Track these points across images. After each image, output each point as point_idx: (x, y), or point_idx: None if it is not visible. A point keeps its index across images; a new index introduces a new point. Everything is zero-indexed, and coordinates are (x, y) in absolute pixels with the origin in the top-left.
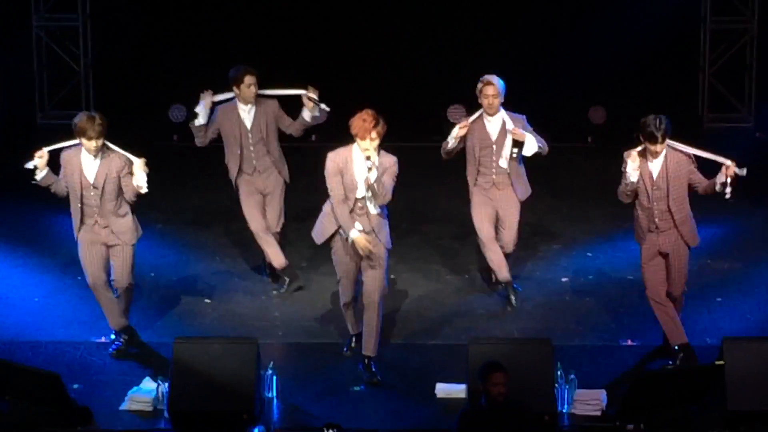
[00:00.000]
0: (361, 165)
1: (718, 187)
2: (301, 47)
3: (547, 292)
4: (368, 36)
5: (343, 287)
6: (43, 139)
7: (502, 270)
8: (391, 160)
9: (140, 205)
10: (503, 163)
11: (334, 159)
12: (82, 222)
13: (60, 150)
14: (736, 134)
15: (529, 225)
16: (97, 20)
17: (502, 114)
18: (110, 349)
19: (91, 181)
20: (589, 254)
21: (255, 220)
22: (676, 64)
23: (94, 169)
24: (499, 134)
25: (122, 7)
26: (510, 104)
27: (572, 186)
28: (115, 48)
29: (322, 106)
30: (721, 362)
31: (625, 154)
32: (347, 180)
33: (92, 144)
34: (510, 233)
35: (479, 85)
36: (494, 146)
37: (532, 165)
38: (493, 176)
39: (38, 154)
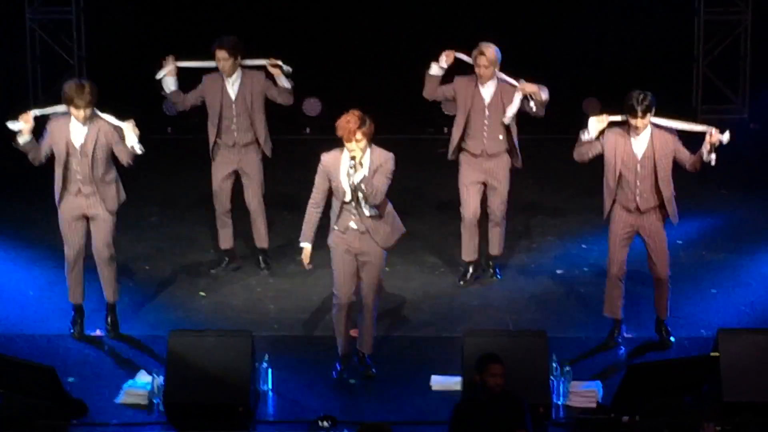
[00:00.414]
0: (347, 167)
1: (705, 157)
2: (298, 39)
3: (542, 283)
4: (365, 28)
5: (337, 285)
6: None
7: (473, 252)
8: (384, 157)
9: (134, 199)
10: (507, 120)
11: (324, 160)
12: (63, 189)
13: (46, 116)
14: (730, 125)
15: (523, 217)
16: (90, 13)
17: (497, 79)
18: (70, 330)
19: (78, 148)
20: (584, 246)
21: (222, 202)
22: (670, 56)
23: (82, 136)
24: (492, 99)
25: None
26: None
27: (567, 177)
28: (109, 41)
29: (285, 67)
30: (717, 353)
31: (592, 118)
32: (335, 184)
33: (80, 113)
34: (500, 199)
35: (474, 52)
36: (487, 111)
37: (526, 155)
38: (485, 141)
39: (24, 118)
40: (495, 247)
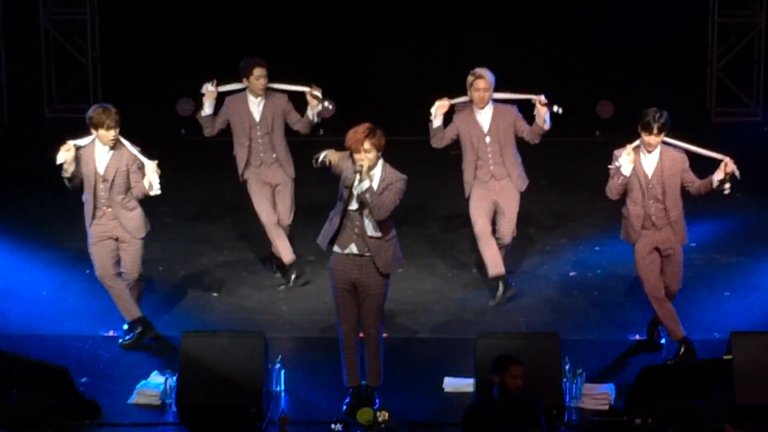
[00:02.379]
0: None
1: (715, 184)
2: (309, 40)
3: (555, 286)
4: (378, 32)
5: (340, 315)
6: (50, 132)
7: (496, 265)
8: (396, 176)
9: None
10: (548, 125)
11: (339, 160)
12: (93, 214)
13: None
14: (743, 129)
15: (536, 219)
16: (104, 14)
17: (494, 105)
18: (121, 340)
19: (102, 174)
20: (597, 248)
21: (265, 213)
22: (684, 59)
23: (105, 162)
24: (490, 125)
25: (130, 0)
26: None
27: (580, 180)
28: (122, 41)
29: (326, 103)
30: (729, 356)
31: (617, 151)
32: (342, 189)
33: (110, 134)
34: (509, 224)
35: (470, 78)
36: (488, 137)
37: (539, 158)
38: (491, 167)
39: (65, 147)
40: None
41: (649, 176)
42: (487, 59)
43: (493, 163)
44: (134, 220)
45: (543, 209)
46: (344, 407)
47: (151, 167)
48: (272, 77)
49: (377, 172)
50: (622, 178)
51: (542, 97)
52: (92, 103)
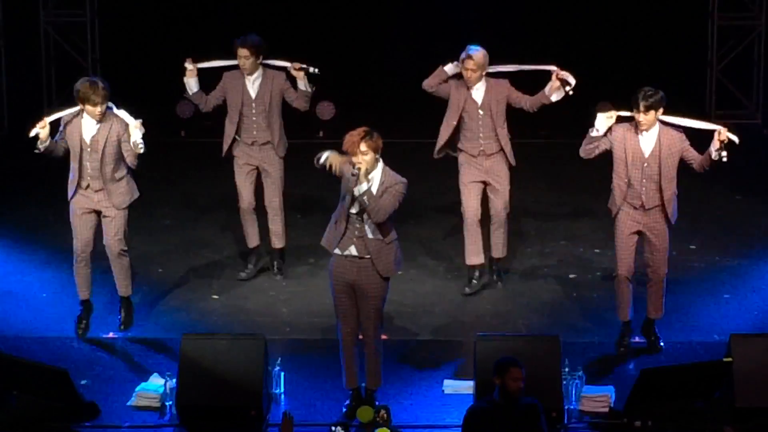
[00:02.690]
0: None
1: (714, 155)
2: (311, 42)
3: (555, 288)
4: (380, 33)
5: (340, 318)
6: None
7: (477, 254)
8: (396, 180)
9: (148, 201)
10: (555, 97)
11: (341, 164)
12: (78, 183)
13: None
14: (743, 131)
15: (536, 221)
16: (104, 16)
17: (485, 80)
18: (75, 329)
19: (89, 144)
20: (596, 250)
21: (245, 198)
22: (684, 61)
23: (93, 133)
24: (483, 100)
25: (129, 2)
26: None
27: (580, 182)
28: (122, 43)
29: (312, 69)
30: (729, 359)
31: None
32: (343, 192)
33: (96, 110)
34: (502, 200)
35: (462, 55)
36: (481, 111)
37: (539, 160)
38: (481, 141)
39: (40, 124)
40: (498, 250)
41: (646, 155)
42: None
43: (484, 137)
44: (120, 189)
45: (543, 211)
46: (343, 409)
47: (134, 124)
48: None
49: (377, 176)
50: (592, 137)
51: (563, 73)
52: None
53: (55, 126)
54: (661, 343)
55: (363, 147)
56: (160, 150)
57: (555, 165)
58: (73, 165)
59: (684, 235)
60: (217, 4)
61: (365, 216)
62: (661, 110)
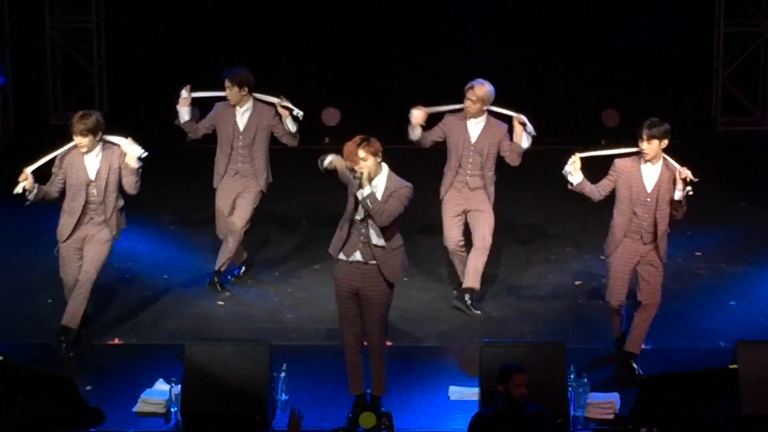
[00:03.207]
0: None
1: (678, 195)
2: (314, 49)
3: (561, 295)
4: (384, 40)
5: (343, 325)
6: (56, 139)
7: (468, 277)
8: (400, 184)
9: (153, 207)
10: (525, 144)
11: (344, 170)
12: (79, 220)
13: (44, 164)
14: (749, 138)
15: (541, 228)
16: (110, 22)
17: (487, 119)
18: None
19: (94, 179)
20: (602, 257)
21: (221, 227)
22: (690, 68)
23: (96, 166)
24: (478, 138)
25: (136, 8)
26: (524, 107)
27: None
28: (128, 49)
29: (296, 111)
30: (735, 366)
31: (617, 160)
32: (349, 199)
33: (78, 140)
34: (486, 224)
35: (467, 86)
36: (472, 147)
37: (545, 167)
38: (468, 177)
39: (21, 177)
40: (472, 280)
41: (648, 190)
42: (491, 67)
43: (470, 174)
44: (118, 219)
45: (548, 218)
46: (349, 416)
47: (126, 142)
48: (278, 88)
49: (382, 181)
50: (575, 186)
51: (521, 117)
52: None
53: (44, 168)
54: (641, 374)
55: (361, 153)
56: (165, 156)
57: (560, 172)
58: (73, 204)
59: (689, 242)
60: (223, 11)
61: (370, 221)
62: (665, 141)
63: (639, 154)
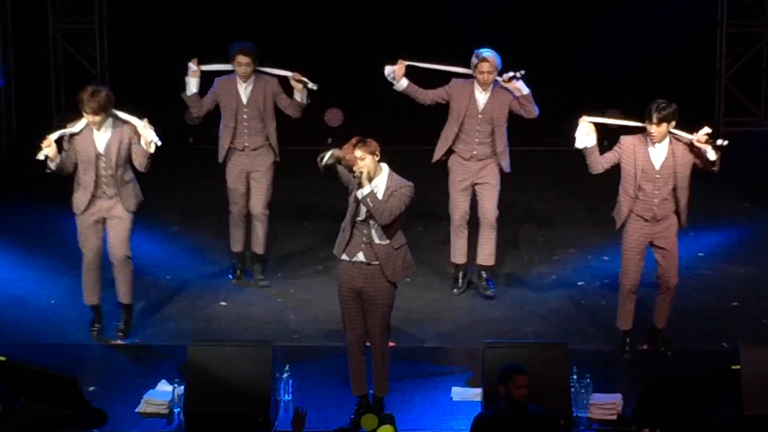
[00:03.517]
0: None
1: (712, 156)
2: (318, 50)
3: (563, 295)
4: (387, 39)
5: (346, 326)
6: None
7: (461, 255)
8: (400, 183)
9: (156, 207)
10: (525, 90)
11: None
12: (94, 194)
13: (65, 135)
14: (752, 138)
15: (545, 228)
16: (113, 23)
17: (492, 86)
18: (89, 334)
19: (103, 153)
20: (605, 258)
21: (238, 203)
22: (692, 68)
23: (105, 141)
24: (486, 105)
25: (138, 9)
26: None
27: (588, 189)
28: (130, 50)
29: (310, 85)
30: (738, 367)
31: (622, 137)
32: (350, 200)
33: (90, 118)
34: (491, 199)
35: (474, 60)
36: (480, 116)
37: (548, 167)
38: (475, 146)
39: (45, 143)
40: (486, 257)
41: (657, 167)
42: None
43: (479, 142)
44: (129, 192)
45: (551, 218)
46: (351, 416)
47: (142, 124)
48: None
49: (382, 180)
50: (588, 149)
51: (509, 73)
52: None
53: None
54: (669, 352)
55: (358, 153)
56: (168, 156)
57: (564, 172)
58: (84, 178)
59: (692, 243)
60: (226, 12)
61: (371, 221)
62: (673, 123)
63: (644, 131)
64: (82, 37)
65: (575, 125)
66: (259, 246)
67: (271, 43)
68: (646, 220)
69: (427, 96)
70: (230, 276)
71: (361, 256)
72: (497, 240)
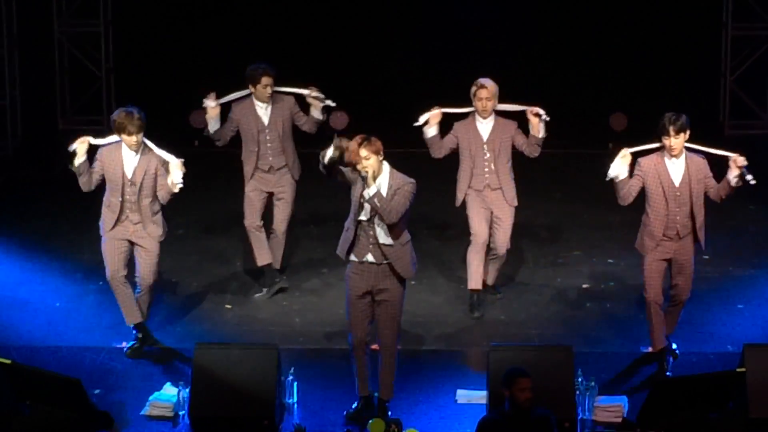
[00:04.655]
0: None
1: (733, 182)
2: (322, 51)
3: (568, 298)
4: (392, 43)
5: (351, 326)
6: (64, 143)
7: (477, 281)
8: (404, 181)
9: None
10: (541, 133)
11: (350, 173)
12: (119, 217)
13: (99, 145)
14: (757, 141)
15: (549, 231)
16: (118, 26)
17: (495, 117)
18: (125, 348)
19: (130, 177)
20: (610, 261)
21: (252, 216)
22: (697, 71)
23: (133, 165)
24: (490, 135)
25: (143, 12)
26: None
27: (593, 192)
28: (136, 53)
29: (328, 102)
30: (743, 369)
31: (640, 159)
32: (354, 199)
33: (132, 139)
34: (504, 234)
35: (473, 88)
36: (486, 146)
37: (553, 171)
38: (486, 176)
39: (81, 139)
40: (493, 278)
41: (677, 184)
42: (498, 69)
43: (488, 172)
44: (157, 224)
45: (556, 221)
46: (350, 410)
47: (176, 164)
48: (283, 83)
49: (385, 179)
50: (620, 183)
51: (534, 108)
52: (106, 115)
53: (91, 150)
54: (677, 351)
55: (363, 152)
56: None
57: (569, 175)
58: (113, 200)
59: (697, 246)
60: (230, 14)
61: (376, 220)
62: (688, 132)
63: (662, 149)
64: (87, 40)
65: (612, 153)
66: (277, 262)
67: (275, 45)
68: (670, 239)
69: (442, 150)
70: (257, 295)
71: (370, 257)
72: (501, 266)
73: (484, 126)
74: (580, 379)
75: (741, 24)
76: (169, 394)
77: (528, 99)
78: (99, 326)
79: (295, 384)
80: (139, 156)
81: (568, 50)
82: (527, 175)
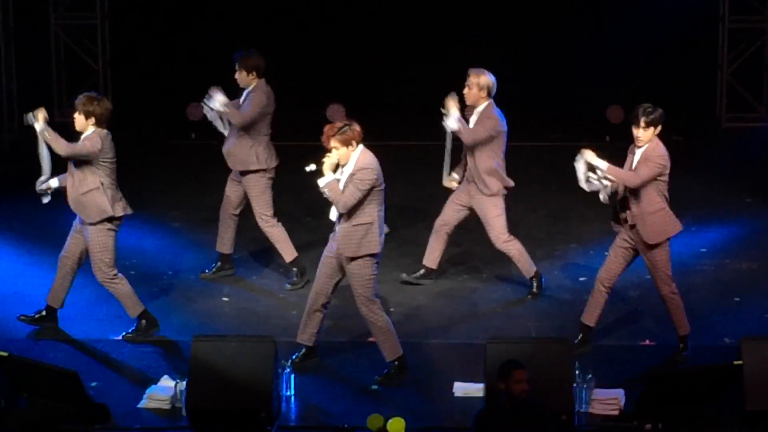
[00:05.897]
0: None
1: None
2: (320, 47)
3: (566, 291)
4: (388, 35)
5: (317, 275)
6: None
7: (430, 259)
8: (361, 165)
9: (158, 203)
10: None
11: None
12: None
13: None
14: (753, 134)
15: (546, 224)
16: (114, 18)
17: (481, 112)
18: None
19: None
20: (606, 253)
21: (222, 207)
22: (694, 64)
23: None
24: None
25: (140, 5)
26: (528, 103)
27: None
28: (132, 46)
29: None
30: (740, 362)
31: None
32: None
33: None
34: (490, 230)
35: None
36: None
37: (549, 163)
38: (468, 167)
39: (47, 185)
40: (524, 270)
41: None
42: (496, 63)
43: (469, 164)
44: (88, 202)
45: (553, 214)
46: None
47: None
48: (282, 84)
49: (350, 166)
50: (607, 187)
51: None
52: None
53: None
54: (684, 353)
55: (333, 143)
56: (169, 152)
57: (565, 168)
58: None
59: (694, 238)
60: (227, 7)
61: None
62: (659, 128)
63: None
64: (83, 32)
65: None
66: (285, 255)
67: (273, 39)
68: (624, 222)
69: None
70: (293, 278)
71: (337, 227)
72: (512, 254)
73: (471, 119)
74: (577, 372)
75: (738, 17)
76: (166, 386)
77: (526, 92)
78: (96, 319)
79: (292, 376)
80: None
81: (565, 44)
82: (523, 168)
